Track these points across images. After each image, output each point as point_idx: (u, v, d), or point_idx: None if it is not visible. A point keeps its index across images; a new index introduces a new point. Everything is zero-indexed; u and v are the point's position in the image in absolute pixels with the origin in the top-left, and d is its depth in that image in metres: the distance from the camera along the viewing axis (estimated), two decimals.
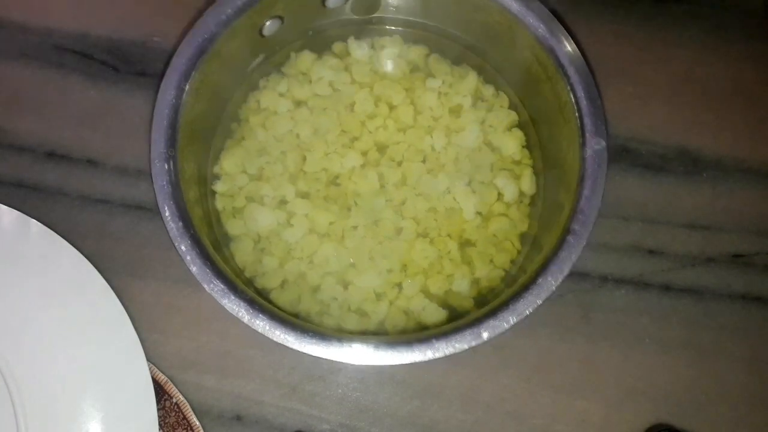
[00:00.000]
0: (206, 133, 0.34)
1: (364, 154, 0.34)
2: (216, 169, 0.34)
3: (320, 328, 0.28)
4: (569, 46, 0.31)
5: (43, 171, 0.35)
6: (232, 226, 0.33)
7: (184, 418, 0.31)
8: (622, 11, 0.39)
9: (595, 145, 0.30)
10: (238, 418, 0.32)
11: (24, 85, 0.37)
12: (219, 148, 0.34)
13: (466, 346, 0.27)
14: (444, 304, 0.32)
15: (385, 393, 0.33)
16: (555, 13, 0.31)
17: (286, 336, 0.27)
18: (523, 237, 0.33)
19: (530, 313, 0.27)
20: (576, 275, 0.34)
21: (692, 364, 0.33)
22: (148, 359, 0.31)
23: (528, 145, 0.35)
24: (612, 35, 0.38)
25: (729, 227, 0.35)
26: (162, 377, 0.31)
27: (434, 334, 0.28)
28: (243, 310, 0.27)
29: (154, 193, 0.28)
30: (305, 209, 0.33)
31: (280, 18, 0.33)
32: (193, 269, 0.27)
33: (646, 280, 0.35)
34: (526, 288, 0.29)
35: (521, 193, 0.34)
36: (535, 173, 0.34)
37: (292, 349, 0.26)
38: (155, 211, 0.31)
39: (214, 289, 0.27)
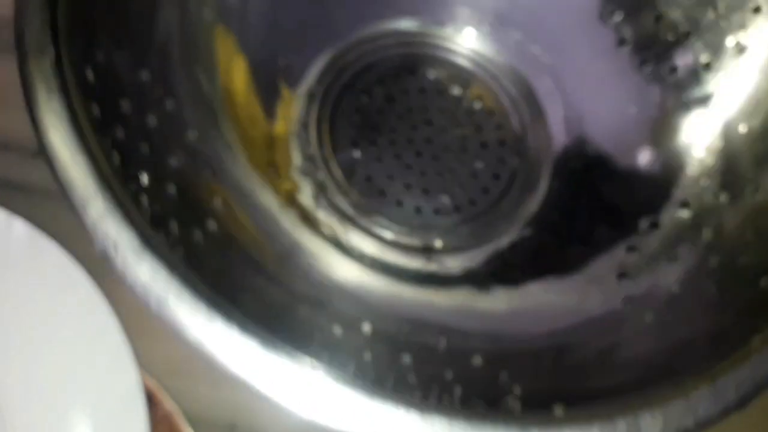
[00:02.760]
0: None
1: None
2: None
3: None
4: None
5: (30, 169, 0.33)
6: None
7: (176, 427, 0.29)
8: None
9: None
10: (233, 427, 0.31)
11: (11, 79, 0.34)
12: None
13: None
14: None
15: None
16: None
17: None
18: None
19: None
20: None
21: None
22: (139, 366, 0.29)
23: None
24: None
25: None
26: (153, 384, 0.30)
27: None
28: None
29: None
30: None
31: None
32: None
33: None
34: None
35: None
36: None
37: None
38: None
39: None
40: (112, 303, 0.30)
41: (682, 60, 0.33)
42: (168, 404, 0.30)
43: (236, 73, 0.31)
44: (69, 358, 0.29)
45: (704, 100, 0.32)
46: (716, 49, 0.32)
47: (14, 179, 0.34)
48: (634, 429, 0.21)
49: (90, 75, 0.22)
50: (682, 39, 0.33)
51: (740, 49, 0.31)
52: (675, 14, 0.33)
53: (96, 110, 0.22)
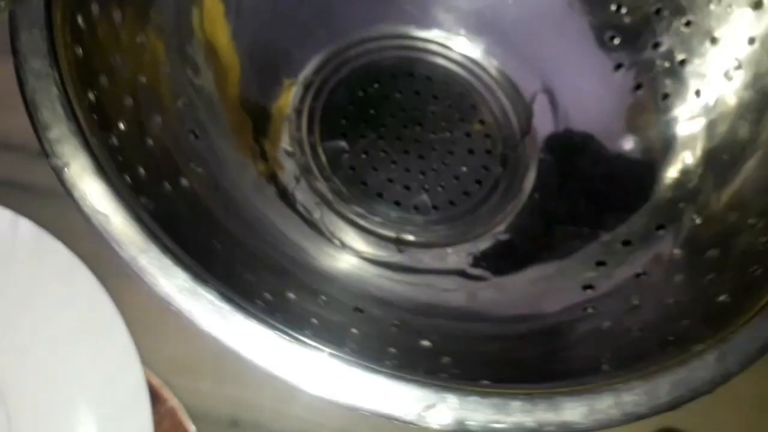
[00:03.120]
0: None
1: None
2: None
3: None
4: None
5: (35, 169, 0.34)
6: None
7: (179, 423, 0.30)
8: None
9: None
10: (235, 423, 0.31)
11: (14, 80, 0.36)
12: None
13: None
14: None
15: None
16: None
17: None
18: None
19: None
20: None
21: None
22: (143, 363, 0.30)
23: None
24: None
25: None
26: (157, 381, 0.30)
27: None
28: None
29: None
30: None
31: None
32: None
33: None
34: None
35: None
36: None
37: None
38: None
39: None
40: (116, 302, 0.31)
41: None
42: (171, 400, 0.30)
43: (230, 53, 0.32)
44: (74, 355, 0.30)
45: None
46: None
47: (19, 179, 0.34)
48: (557, 414, 0.21)
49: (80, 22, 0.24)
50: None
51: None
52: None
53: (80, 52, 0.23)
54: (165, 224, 0.22)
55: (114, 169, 0.21)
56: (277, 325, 0.21)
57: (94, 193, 0.21)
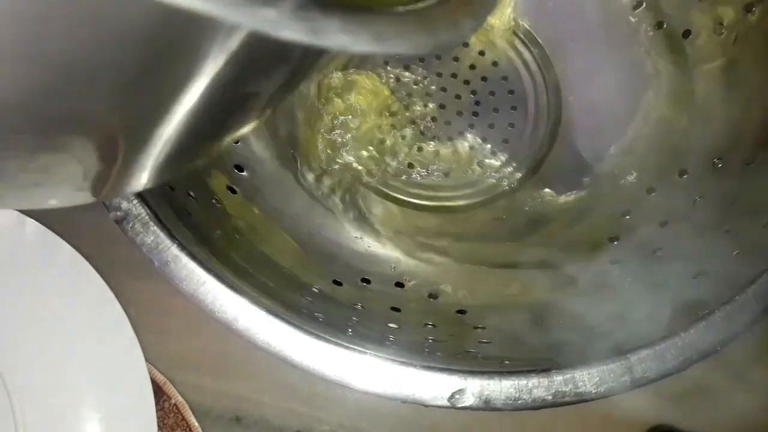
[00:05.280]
0: None
1: None
2: None
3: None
4: None
5: None
6: None
7: (183, 419, 0.31)
8: None
9: None
10: (238, 419, 0.33)
11: None
12: None
13: None
14: None
15: None
16: None
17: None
18: None
19: None
20: None
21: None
22: (147, 360, 0.31)
23: None
24: None
25: None
26: (161, 378, 0.32)
27: None
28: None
29: None
30: None
31: None
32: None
33: None
34: None
35: None
36: None
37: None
38: None
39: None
40: (121, 300, 0.31)
41: None
42: (175, 397, 0.32)
43: None
44: (80, 352, 0.30)
45: None
46: None
47: None
48: (571, 382, 0.24)
49: None
50: None
51: None
52: None
53: None
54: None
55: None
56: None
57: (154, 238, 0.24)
